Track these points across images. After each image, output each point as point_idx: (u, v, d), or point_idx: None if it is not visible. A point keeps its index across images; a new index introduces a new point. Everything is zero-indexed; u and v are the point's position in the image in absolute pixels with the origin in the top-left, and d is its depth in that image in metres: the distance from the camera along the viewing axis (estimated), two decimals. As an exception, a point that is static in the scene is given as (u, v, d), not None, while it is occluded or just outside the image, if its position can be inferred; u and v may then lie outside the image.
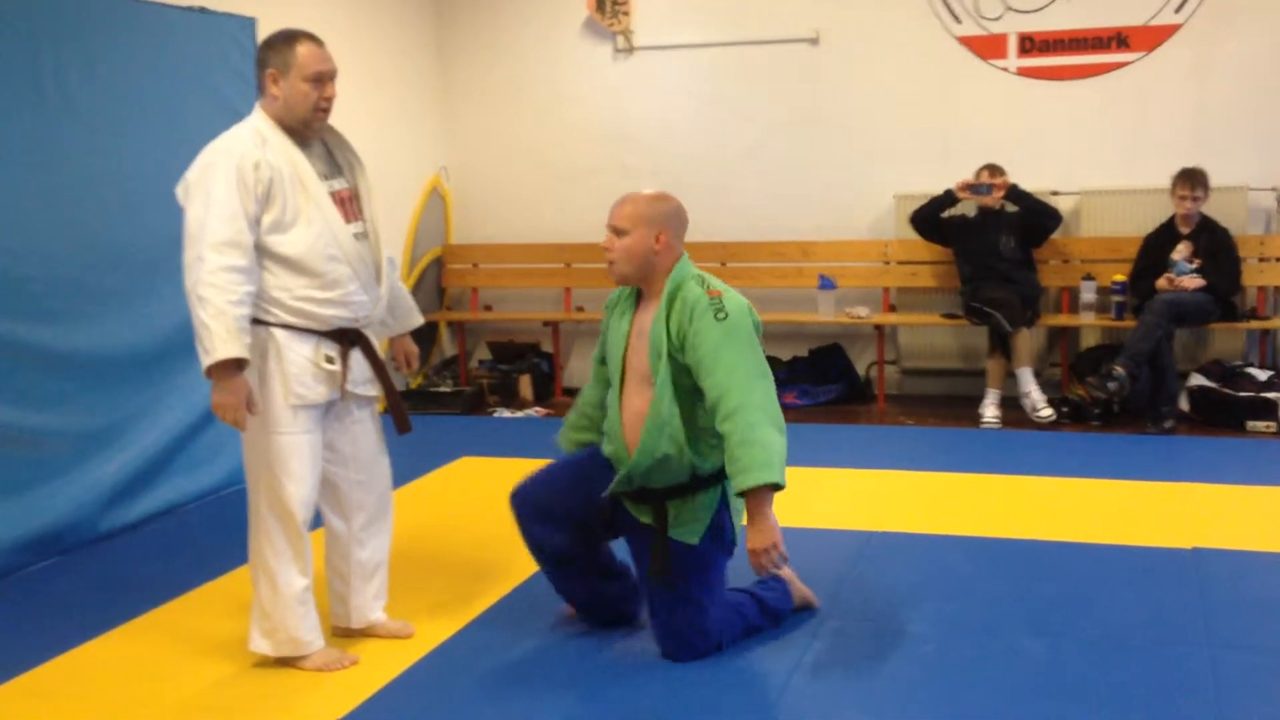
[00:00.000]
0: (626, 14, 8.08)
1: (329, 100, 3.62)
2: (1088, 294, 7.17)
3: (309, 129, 3.63)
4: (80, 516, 4.96)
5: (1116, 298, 7.05)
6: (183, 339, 5.51)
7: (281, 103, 3.58)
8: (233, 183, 3.48)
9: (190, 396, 5.58)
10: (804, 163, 7.92)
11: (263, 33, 6.12)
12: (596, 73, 8.22)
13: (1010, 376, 6.99)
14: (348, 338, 3.68)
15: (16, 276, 4.80)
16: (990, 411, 6.91)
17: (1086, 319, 7.19)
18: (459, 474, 6.13)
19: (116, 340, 5.26)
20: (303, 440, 3.62)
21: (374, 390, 3.81)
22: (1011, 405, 6.98)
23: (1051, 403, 6.88)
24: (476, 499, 5.53)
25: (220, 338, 3.40)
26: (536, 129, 8.26)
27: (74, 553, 4.91)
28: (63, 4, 5.04)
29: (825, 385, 7.69)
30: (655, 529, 3.63)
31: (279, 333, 3.58)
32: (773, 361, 7.67)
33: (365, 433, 3.84)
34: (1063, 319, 7.35)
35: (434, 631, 3.99)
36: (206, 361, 3.44)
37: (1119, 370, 6.54)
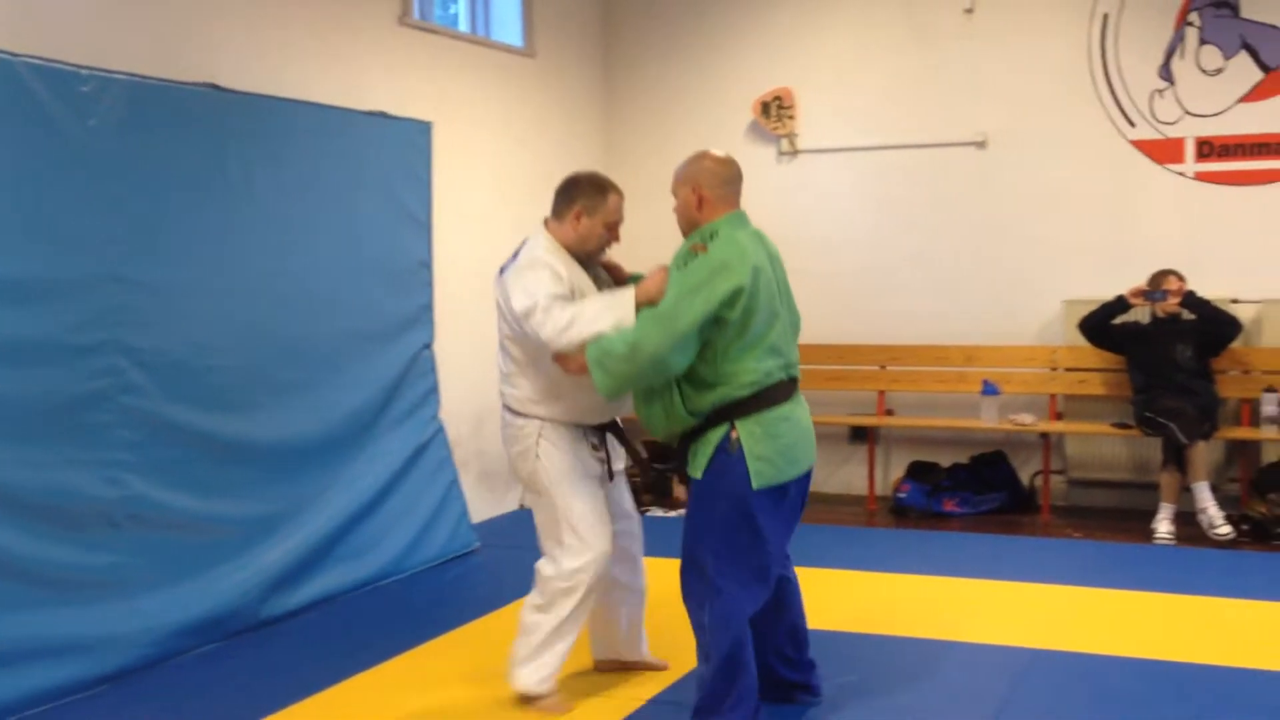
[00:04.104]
0: (791, 118, 8.14)
1: (612, 243, 4.24)
2: (1269, 407, 6.85)
3: (586, 259, 4.18)
4: (244, 603, 5.09)
5: (1301, 411, 6.74)
6: (350, 430, 5.73)
7: (577, 235, 4.14)
8: (549, 276, 4.01)
9: (354, 487, 5.72)
10: (969, 267, 7.81)
11: (439, 136, 6.40)
12: (760, 175, 8.26)
13: (1185, 491, 6.69)
14: (604, 428, 4.27)
15: (197, 367, 5.00)
16: (1164, 527, 6.61)
17: (1268, 433, 6.86)
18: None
19: (289, 430, 5.43)
20: (599, 504, 4.16)
21: (625, 462, 4.41)
22: (1187, 521, 6.67)
23: (1230, 520, 6.56)
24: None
25: (610, 303, 3.90)
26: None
27: (235, 638, 5.02)
28: (251, 107, 5.31)
29: (987, 494, 7.48)
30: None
31: (550, 426, 4.13)
32: (933, 468, 7.62)
33: (624, 489, 4.39)
34: (1242, 432, 7.03)
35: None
36: (631, 302, 3.88)
37: (1304, 488, 6.24)
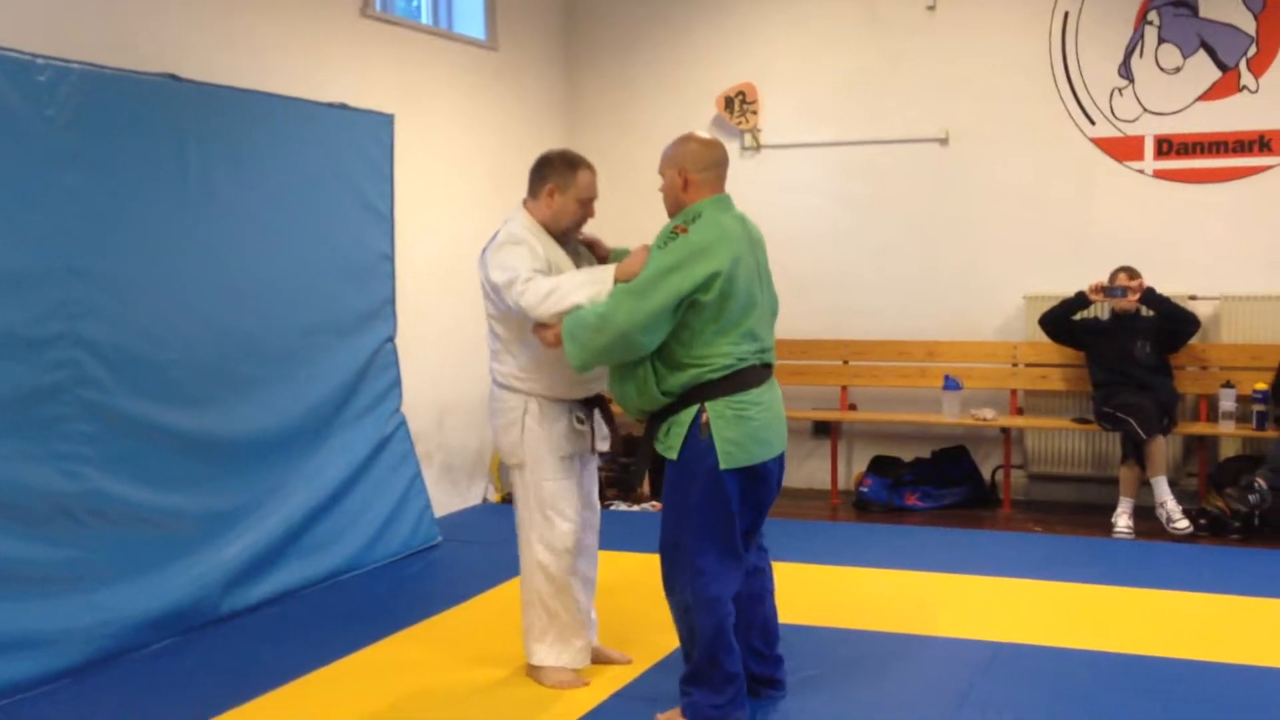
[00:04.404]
0: (755, 113, 8.15)
1: (587, 219, 4.28)
2: (1227, 402, 6.93)
3: (563, 236, 4.24)
4: (202, 597, 5.04)
5: (1257, 407, 6.81)
6: (312, 424, 5.69)
7: (551, 213, 4.21)
8: (527, 252, 4.10)
9: (316, 481, 5.67)
10: (931, 262, 7.85)
11: (401, 129, 6.37)
12: (723, 170, 8.26)
13: (1144, 485, 6.75)
14: (591, 403, 4.32)
15: (156, 361, 4.95)
16: (1123, 521, 6.67)
17: (1226, 428, 6.94)
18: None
19: (250, 424, 5.38)
20: (569, 485, 4.25)
21: (607, 445, 4.44)
22: (1145, 515, 6.73)
23: (1188, 514, 6.63)
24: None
25: (590, 278, 3.91)
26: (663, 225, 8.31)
27: (194, 633, 4.97)
28: (211, 98, 5.25)
29: (948, 488, 7.52)
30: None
31: (535, 401, 4.19)
32: (894, 462, 7.66)
33: (594, 481, 4.44)
34: (1200, 427, 7.10)
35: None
36: (611, 279, 3.90)
37: (1260, 482, 6.33)
